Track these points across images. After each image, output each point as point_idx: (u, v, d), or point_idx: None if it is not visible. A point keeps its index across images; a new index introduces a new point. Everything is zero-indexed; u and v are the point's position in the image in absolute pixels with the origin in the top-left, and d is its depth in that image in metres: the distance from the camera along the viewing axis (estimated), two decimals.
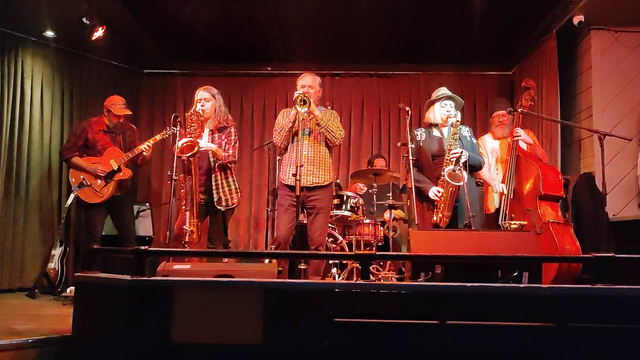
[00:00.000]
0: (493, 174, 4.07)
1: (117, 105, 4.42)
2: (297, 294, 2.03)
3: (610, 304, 1.94)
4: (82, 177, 4.30)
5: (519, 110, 3.92)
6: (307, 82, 3.78)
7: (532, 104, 3.98)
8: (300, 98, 3.53)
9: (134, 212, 5.06)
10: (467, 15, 4.68)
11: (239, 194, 3.91)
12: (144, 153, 4.34)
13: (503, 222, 3.67)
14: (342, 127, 3.87)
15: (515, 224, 3.46)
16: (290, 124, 3.67)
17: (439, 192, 3.54)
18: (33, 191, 5.00)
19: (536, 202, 3.59)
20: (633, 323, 1.91)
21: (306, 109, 3.53)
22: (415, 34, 5.24)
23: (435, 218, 3.54)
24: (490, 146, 4.18)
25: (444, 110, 3.74)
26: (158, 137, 4.32)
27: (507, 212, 3.70)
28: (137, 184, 6.04)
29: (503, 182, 3.86)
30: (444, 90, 3.84)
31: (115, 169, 4.32)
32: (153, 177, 6.14)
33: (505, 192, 3.75)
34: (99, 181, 4.30)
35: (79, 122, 5.21)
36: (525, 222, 3.48)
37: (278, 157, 5.08)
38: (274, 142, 3.85)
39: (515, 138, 3.82)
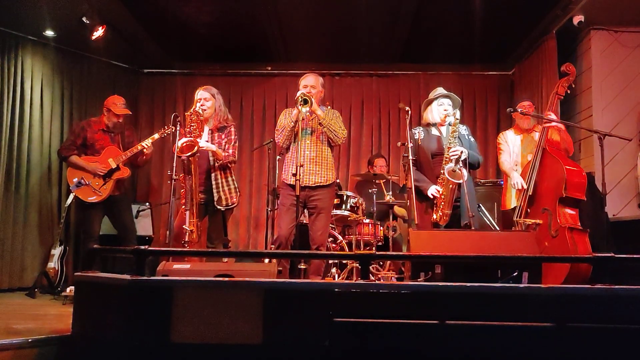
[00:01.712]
0: (512, 166, 3.96)
1: (117, 104, 4.42)
2: (297, 294, 2.03)
3: (610, 304, 1.94)
4: (80, 176, 4.30)
5: (519, 110, 3.91)
6: (310, 82, 3.78)
7: (569, 91, 3.75)
8: (301, 98, 3.53)
9: (134, 212, 5.05)
10: (467, 15, 4.69)
11: (238, 193, 3.91)
12: (145, 151, 4.34)
13: (517, 218, 3.55)
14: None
15: (529, 221, 3.38)
16: (292, 123, 3.66)
17: (437, 191, 3.55)
18: (33, 190, 5.00)
19: (555, 204, 3.41)
20: (633, 323, 1.91)
21: (308, 109, 3.54)
22: (415, 34, 5.24)
23: (435, 216, 3.55)
24: (512, 142, 4.06)
25: (441, 108, 3.75)
26: (157, 135, 4.32)
27: (523, 207, 3.56)
28: (136, 183, 6.05)
29: (523, 177, 3.73)
30: (440, 90, 3.84)
31: (114, 167, 4.32)
32: (153, 177, 6.15)
33: (523, 186, 3.62)
34: (97, 180, 4.30)
35: (78, 121, 5.22)
36: (540, 222, 3.37)
37: (278, 157, 5.09)
38: (276, 141, 3.84)
39: (546, 125, 3.65)
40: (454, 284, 2.00)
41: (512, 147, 4.03)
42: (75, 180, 4.28)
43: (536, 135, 3.90)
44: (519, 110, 3.91)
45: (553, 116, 3.73)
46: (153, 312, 2.01)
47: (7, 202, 4.77)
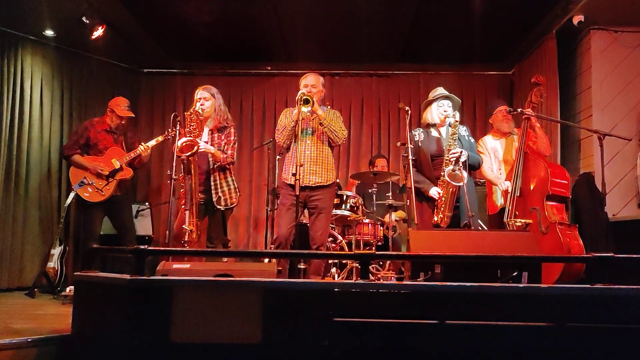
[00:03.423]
0: (496, 173, 4.01)
1: (121, 106, 4.45)
2: (296, 294, 2.03)
3: (610, 304, 1.94)
4: (83, 175, 4.30)
5: (519, 110, 3.91)
6: (310, 82, 3.79)
7: (542, 100, 3.92)
8: (303, 97, 3.53)
9: (133, 212, 5.05)
10: (467, 15, 4.68)
11: (238, 193, 3.91)
12: (142, 154, 4.35)
13: (507, 219, 3.61)
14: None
15: (520, 221, 3.43)
16: (293, 123, 3.66)
17: (438, 193, 3.55)
18: (32, 190, 5.00)
19: (543, 202, 3.53)
20: (633, 323, 1.91)
21: (309, 108, 3.54)
22: (415, 34, 5.24)
23: (436, 218, 3.56)
24: (491, 146, 4.12)
25: (441, 110, 3.75)
26: (161, 138, 4.33)
27: (511, 209, 3.63)
28: (136, 183, 6.05)
29: (507, 180, 3.79)
30: (440, 90, 3.84)
31: (118, 167, 4.33)
32: (153, 177, 6.15)
33: (510, 189, 3.68)
34: (100, 180, 4.31)
35: (80, 121, 5.24)
36: (530, 221, 3.44)
37: (278, 157, 5.09)
38: (277, 141, 3.84)
39: (527, 114, 3.76)
40: (454, 284, 2.00)
41: (492, 152, 4.07)
42: (79, 179, 4.29)
43: (516, 139, 3.93)
44: (519, 110, 3.90)
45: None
46: (152, 312, 2.01)
47: (7, 201, 4.76)
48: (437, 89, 3.89)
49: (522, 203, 3.65)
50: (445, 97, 3.78)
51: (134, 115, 4.60)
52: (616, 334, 1.91)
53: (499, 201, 3.93)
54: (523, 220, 3.43)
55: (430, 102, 3.84)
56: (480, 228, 4.44)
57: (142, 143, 4.38)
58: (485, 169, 4.03)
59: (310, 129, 3.75)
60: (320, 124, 3.69)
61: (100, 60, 5.67)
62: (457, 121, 3.62)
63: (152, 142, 4.38)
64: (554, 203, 3.56)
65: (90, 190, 4.29)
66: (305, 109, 3.52)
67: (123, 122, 4.47)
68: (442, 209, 3.53)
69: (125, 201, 4.57)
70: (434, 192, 3.58)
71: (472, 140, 3.80)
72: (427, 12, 4.76)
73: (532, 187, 3.65)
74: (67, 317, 2.35)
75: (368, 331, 1.95)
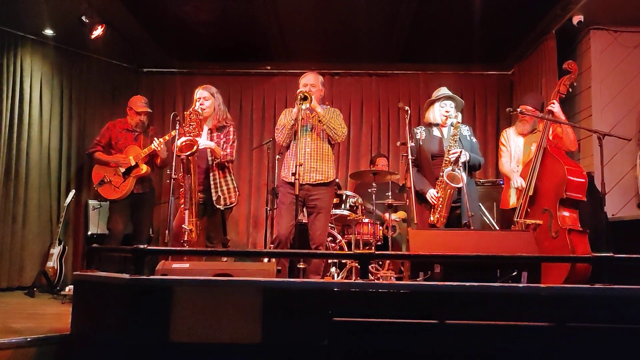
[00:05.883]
0: (513, 167, 3.90)
1: (138, 103, 4.50)
2: (296, 293, 2.03)
3: (610, 304, 1.94)
4: (103, 174, 4.35)
5: (518, 110, 3.89)
6: (309, 81, 3.80)
7: (571, 90, 3.70)
8: (301, 95, 3.54)
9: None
10: (467, 15, 4.68)
11: (237, 193, 3.91)
12: (157, 149, 4.31)
13: (517, 218, 3.51)
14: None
15: (529, 222, 3.34)
16: (292, 121, 3.67)
17: (434, 195, 3.54)
18: (32, 190, 5.00)
19: (556, 205, 3.37)
20: (633, 323, 1.91)
21: (307, 105, 3.55)
22: (415, 34, 5.23)
23: (432, 218, 3.56)
24: (514, 141, 3.98)
25: (443, 110, 3.74)
26: (167, 137, 4.31)
27: (523, 207, 3.52)
28: None
29: (522, 177, 3.67)
30: (444, 90, 3.82)
31: (133, 164, 4.34)
32: (152, 176, 6.11)
33: (523, 186, 3.56)
34: (118, 178, 4.35)
35: (80, 121, 5.33)
36: (540, 222, 3.34)
37: (277, 156, 5.09)
38: (276, 140, 3.85)
39: (550, 107, 3.61)
40: (453, 284, 2.00)
41: (514, 146, 3.97)
42: (99, 178, 4.35)
43: (538, 136, 3.86)
44: (519, 110, 3.87)
45: (557, 107, 3.67)
46: (152, 312, 2.01)
47: (7, 201, 4.76)
48: (440, 88, 3.86)
49: (536, 202, 3.52)
50: (448, 98, 3.77)
51: (151, 111, 4.65)
52: (616, 334, 1.91)
53: (512, 199, 3.81)
54: (533, 221, 3.35)
55: (432, 102, 3.82)
56: (490, 225, 4.44)
57: (155, 139, 4.36)
58: (503, 162, 3.96)
59: (309, 125, 3.76)
60: (319, 121, 3.70)
61: (99, 59, 5.66)
62: (458, 122, 3.61)
63: (166, 137, 4.33)
64: (567, 208, 3.40)
65: (109, 188, 4.35)
66: (303, 106, 3.54)
67: (142, 119, 4.50)
68: (439, 209, 3.53)
69: (146, 199, 4.57)
70: (430, 196, 3.57)
71: (474, 140, 3.79)
72: (427, 12, 4.76)
73: (547, 187, 3.47)
74: (66, 316, 2.35)
75: (368, 331, 1.95)
